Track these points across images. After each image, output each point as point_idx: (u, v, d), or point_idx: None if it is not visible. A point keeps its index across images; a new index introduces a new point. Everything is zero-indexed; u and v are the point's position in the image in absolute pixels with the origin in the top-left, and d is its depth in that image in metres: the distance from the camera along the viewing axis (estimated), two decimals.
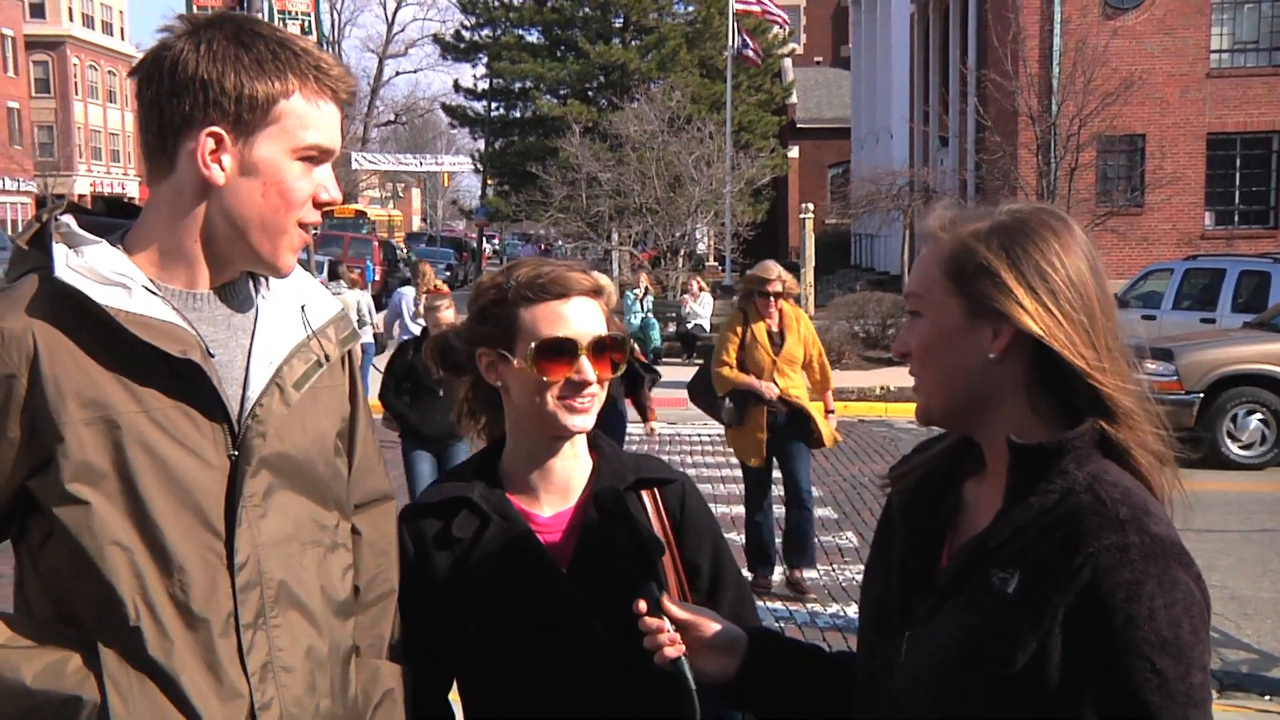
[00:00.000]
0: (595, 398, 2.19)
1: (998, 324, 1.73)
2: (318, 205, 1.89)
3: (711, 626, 1.99)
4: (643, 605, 1.95)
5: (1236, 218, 29.62)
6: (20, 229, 1.91)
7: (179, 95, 1.80)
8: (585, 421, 2.19)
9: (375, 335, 18.28)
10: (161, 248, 1.87)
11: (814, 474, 12.38)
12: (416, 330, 13.61)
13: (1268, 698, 6.42)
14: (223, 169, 1.81)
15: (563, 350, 2.15)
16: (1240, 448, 12.96)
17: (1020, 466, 1.73)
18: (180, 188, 1.84)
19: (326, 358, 2.02)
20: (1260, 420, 12.95)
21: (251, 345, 1.92)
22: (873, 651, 1.87)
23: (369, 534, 2.14)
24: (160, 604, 1.78)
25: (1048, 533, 1.65)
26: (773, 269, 8.51)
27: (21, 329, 1.76)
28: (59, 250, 1.79)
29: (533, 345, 2.14)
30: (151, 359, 1.79)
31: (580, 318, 2.18)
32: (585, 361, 2.16)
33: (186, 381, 1.82)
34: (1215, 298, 17.34)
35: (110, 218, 1.95)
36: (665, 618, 1.95)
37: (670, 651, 1.93)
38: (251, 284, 1.99)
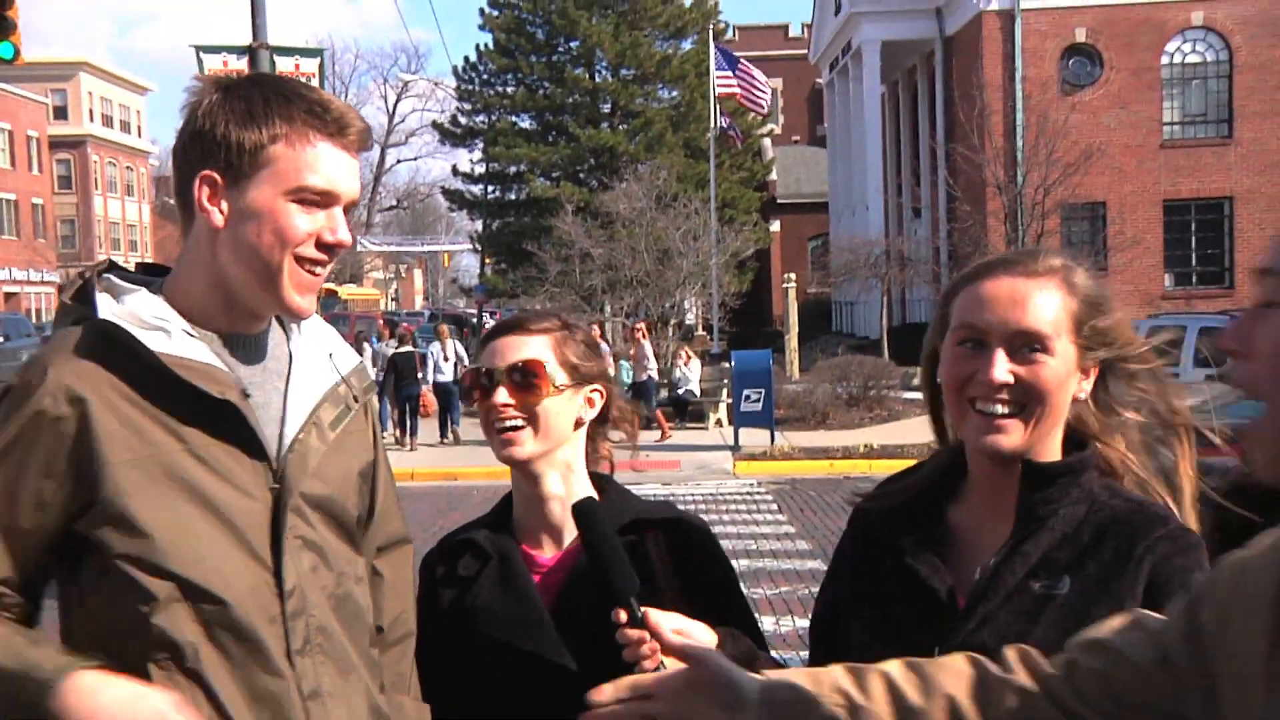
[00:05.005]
0: (518, 427, 2.12)
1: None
2: (323, 246, 1.84)
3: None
4: (622, 615, 1.76)
5: (1194, 278, 29.93)
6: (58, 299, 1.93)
7: (187, 149, 1.84)
8: (511, 451, 2.13)
9: None
10: (192, 295, 1.87)
11: (802, 528, 12.40)
12: (445, 374, 20.38)
13: None
14: (221, 212, 1.81)
15: (481, 380, 2.15)
16: None
17: (1039, 486, 1.79)
18: (198, 235, 1.86)
19: (355, 400, 2.03)
20: None
21: (287, 387, 1.92)
22: None
23: (390, 576, 2.13)
24: (218, 636, 1.76)
25: (1096, 536, 1.75)
26: None
27: (69, 373, 1.75)
28: (103, 299, 1.80)
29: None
30: (192, 399, 1.78)
31: (503, 349, 2.15)
32: (501, 389, 2.12)
33: (226, 421, 1.81)
34: (1177, 354, 17.45)
35: (146, 275, 1.96)
36: (646, 631, 1.73)
37: (648, 664, 1.73)
38: (283, 330, 2.00)
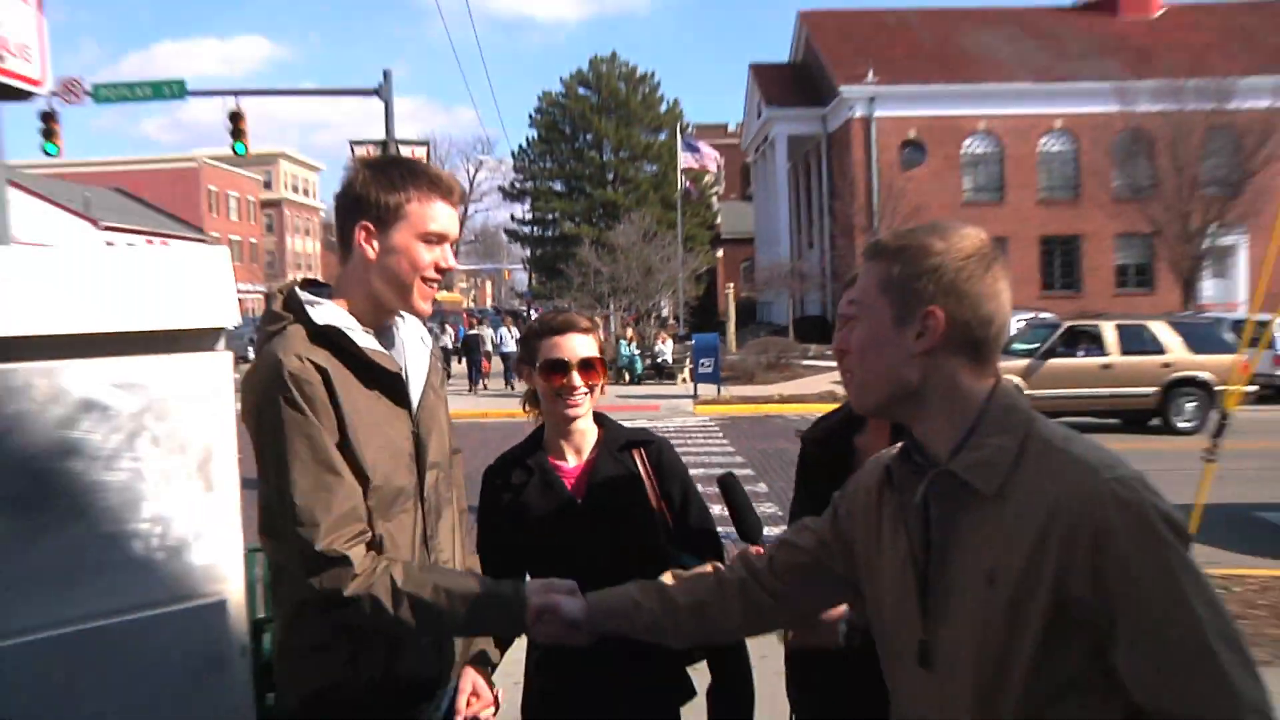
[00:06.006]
0: (584, 399, 2.05)
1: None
2: (439, 270, 1.78)
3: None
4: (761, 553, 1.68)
5: None
6: (265, 307, 1.82)
7: (349, 207, 1.76)
8: (577, 413, 2.05)
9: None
10: (354, 303, 1.78)
11: (739, 449, 12.19)
12: (508, 346, 20.64)
13: None
14: (373, 249, 1.74)
15: (558, 367, 2.04)
16: (1183, 421, 12.53)
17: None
18: (355, 264, 1.77)
19: (442, 366, 1.99)
20: (1192, 404, 12.60)
21: (406, 362, 1.83)
22: None
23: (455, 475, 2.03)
24: (395, 538, 1.70)
25: None
26: None
27: (313, 354, 1.66)
28: (315, 310, 1.71)
29: (538, 364, 2.06)
30: (372, 376, 1.72)
31: (572, 346, 2.04)
32: (575, 374, 2.03)
33: (391, 389, 1.76)
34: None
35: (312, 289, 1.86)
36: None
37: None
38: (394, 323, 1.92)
